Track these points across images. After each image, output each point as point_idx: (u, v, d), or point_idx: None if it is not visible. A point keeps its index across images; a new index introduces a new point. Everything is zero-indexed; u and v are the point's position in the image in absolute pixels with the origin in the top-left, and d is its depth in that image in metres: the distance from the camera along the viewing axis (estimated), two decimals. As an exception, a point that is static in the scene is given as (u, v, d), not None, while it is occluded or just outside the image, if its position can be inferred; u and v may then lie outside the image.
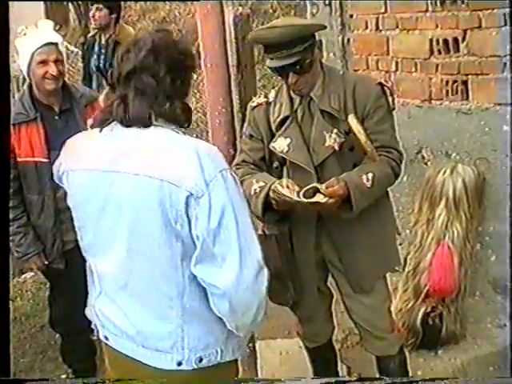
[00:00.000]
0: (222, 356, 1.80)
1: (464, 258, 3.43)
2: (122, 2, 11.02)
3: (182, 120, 1.77)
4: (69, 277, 2.99)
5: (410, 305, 3.41)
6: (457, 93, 3.55)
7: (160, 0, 10.37)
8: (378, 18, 3.80)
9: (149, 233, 1.69)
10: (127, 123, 1.72)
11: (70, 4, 9.80)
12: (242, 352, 1.90)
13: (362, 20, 3.89)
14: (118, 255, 1.75)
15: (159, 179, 1.66)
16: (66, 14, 10.38)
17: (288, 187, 2.38)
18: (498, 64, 3.32)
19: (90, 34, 5.20)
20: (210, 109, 2.85)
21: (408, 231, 3.76)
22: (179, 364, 1.76)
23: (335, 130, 2.45)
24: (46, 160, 2.91)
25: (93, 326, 1.96)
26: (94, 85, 4.96)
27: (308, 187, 2.37)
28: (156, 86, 1.72)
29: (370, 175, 2.42)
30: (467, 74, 3.49)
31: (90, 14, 4.91)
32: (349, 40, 4.04)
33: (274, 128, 2.55)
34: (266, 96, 2.62)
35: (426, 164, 3.76)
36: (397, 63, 3.80)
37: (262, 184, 2.48)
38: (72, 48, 2.85)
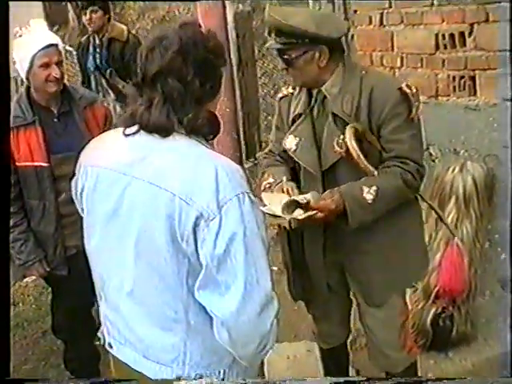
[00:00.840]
0: (224, 377, 1.71)
1: (474, 257, 3.37)
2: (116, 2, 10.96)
3: (205, 131, 1.65)
4: (71, 283, 2.93)
5: (420, 306, 3.34)
6: (464, 88, 3.49)
7: (160, 0, 10.29)
8: (382, 14, 3.73)
9: (156, 245, 1.61)
10: (149, 130, 1.63)
11: (68, 4, 9.73)
12: (248, 377, 1.79)
13: (366, 15, 3.82)
14: (125, 261, 1.67)
15: (171, 192, 1.57)
16: (65, 14, 10.32)
17: (288, 192, 2.31)
18: (505, 59, 3.25)
19: (83, 37, 5.14)
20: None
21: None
22: (178, 379, 1.69)
23: (342, 136, 2.29)
24: (46, 164, 2.84)
25: (99, 334, 1.90)
26: (93, 85, 4.90)
27: (286, 200, 2.25)
28: (183, 90, 1.60)
29: (374, 188, 2.26)
30: (474, 70, 3.43)
31: (87, 17, 4.83)
32: (353, 36, 3.96)
33: (290, 123, 2.47)
34: (293, 87, 2.50)
35: (433, 161, 3.69)
36: (402, 59, 3.73)
37: (271, 180, 2.41)
38: (68, 48, 2.77)
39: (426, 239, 3.48)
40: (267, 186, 2.41)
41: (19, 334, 4.04)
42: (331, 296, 2.62)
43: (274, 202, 2.28)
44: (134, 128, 1.65)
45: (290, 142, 2.43)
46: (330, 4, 3.98)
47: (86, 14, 4.83)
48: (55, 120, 2.92)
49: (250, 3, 9.63)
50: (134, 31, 11.25)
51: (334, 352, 2.84)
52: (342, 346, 2.84)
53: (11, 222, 2.91)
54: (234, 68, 6.66)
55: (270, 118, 6.11)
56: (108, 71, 4.81)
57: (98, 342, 2.23)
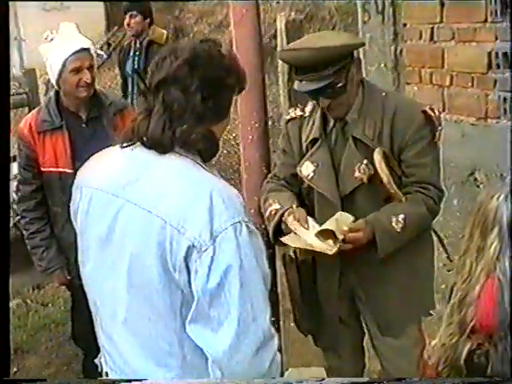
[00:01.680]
0: None
1: (515, 291, 3.15)
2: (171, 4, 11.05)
3: (199, 148, 1.53)
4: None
5: (454, 340, 3.11)
6: (515, 111, 3.29)
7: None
8: (432, 28, 3.56)
9: (148, 274, 1.49)
10: (146, 144, 1.53)
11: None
12: None
13: (416, 30, 3.66)
14: (118, 289, 1.56)
15: (162, 219, 1.45)
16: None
17: (299, 220, 2.18)
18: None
19: (125, 43, 5.15)
20: (241, 123, 2.64)
21: (457, 258, 3.51)
22: None
23: (365, 161, 2.19)
24: (70, 171, 2.77)
25: (97, 361, 1.79)
26: (129, 89, 4.89)
27: (322, 228, 2.14)
28: (184, 101, 1.49)
29: (401, 217, 2.19)
30: (527, 92, 3.23)
31: (125, 22, 4.83)
32: (401, 51, 3.81)
33: (303, 148, 2.34)
34: (302, 109, 2.39)
35: (478, 187, 3.50)
36: (451, 77, 3.56)
37: (277, 206, 2.28)
38: (100, 52, 2.73)
39: (467, 269, 3.32)
40: (273, 212, 2.28)
41: (45, 335, 4.02)
42: (342, 328, 2.48)
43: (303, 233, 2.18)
44: (131, 142, 1.55)
45: (307, 169, 2.30)
46: (380, 15, 3.83)
47: (125, 18, 4.82)
48: (83, 126, 2.85)
49: (306, 11, 9.55)
50: (191, 35, 11.32)
51: None
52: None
53: (34, 228, 2.89)
54: (285, 78, 6.58)
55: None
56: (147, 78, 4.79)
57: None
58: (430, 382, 2.43)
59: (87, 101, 2.83)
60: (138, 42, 4.95)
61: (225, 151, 6.13)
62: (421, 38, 3.65)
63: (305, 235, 2.17)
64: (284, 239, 2.27)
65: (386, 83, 3.90)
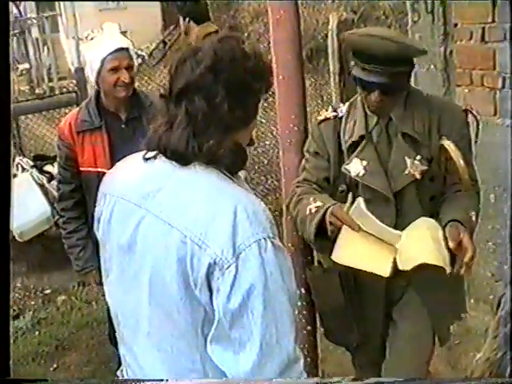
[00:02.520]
0: None
1: None
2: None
3: (226, 163, 1.46)
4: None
5: (499, 355, 3.01)
6: None
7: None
8: (484, 28, 3.40)
9: (168, 290, 1.43)
10: (168, 156, 1.47)
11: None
12: None
13: (467, 30, 3.51)
14: (141, 301, 1.50)
15: (182, 233, 1.39)
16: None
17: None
18: None
19: (169, 42, 5.13)
20: (280, 126, 2.58)
21: (506, 268, 3.36)
22: None
23: (418, 157, 2.20)
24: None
25: (118, 372, 1.74)
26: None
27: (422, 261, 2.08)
28: (209, 112, 1.41)
29: (474, 213, 2.21)
30: None
31: (183, 29, 4.80)
32: (451, 52, 3.67)
33: (345, 148, 2.29)
34: (335, 110, 2.35)
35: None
36: (504, 80, 3.39)
37: (319, 204, 2.21)
38: (141, 52, 2.71)
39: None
40: (313, 210, 2.20)
41: (87, 333, 4.06)
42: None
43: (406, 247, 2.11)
44: (153, 152, 1.50)
45: (356, 166, 2.24)
46: (430, 15, 3.70)
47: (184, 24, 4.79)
48: (123, 126, 2.85)
49: (361, 11, 9.40)
50: (246, 34, 11.31)
51: None
52: None
53: (71, 228, 2.92)
54: (336, 78, 6.47)
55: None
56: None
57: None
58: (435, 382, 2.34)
59: (127, 101, 2.82)
60: None
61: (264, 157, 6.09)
62: (471, 38, 3.49)
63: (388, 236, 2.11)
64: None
65: (435, 85, 3.77)
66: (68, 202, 2.90)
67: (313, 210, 2.20)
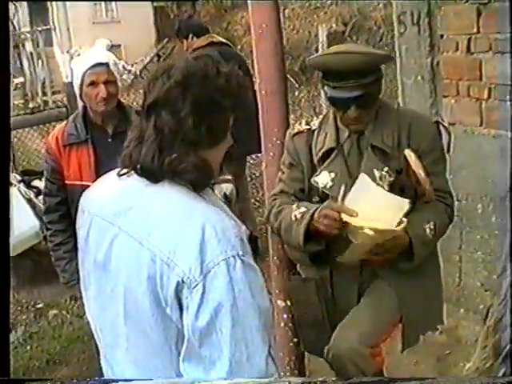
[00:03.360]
0: None
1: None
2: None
3: (188, 178, 1.45)
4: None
5: (488, 364, 3.01)
6: (556, 125, 3.14)
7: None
8: (469, 39, 3.43)
9: (141, 308, 1.42)
10: (139, 173, 1.47)
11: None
12: None
13: (453, 41, 3.53)
14: (117, 318, 1.50)
15: (152, 251, 1.39)
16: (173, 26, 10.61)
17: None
18: None
19: (164, 55, 5.12)
20: (263, 140, 2.61)
21: (495, 277, 3.37)
22: None
23: (386, 168, 2.23)
24: (93, 185, 2.80)
25: None
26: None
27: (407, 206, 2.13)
28: (175, 127, 1.42)
29: (432, 224, 2.24)
30: None
31: (184, 45, 4.76)
32: (438, 63, 3.69)
33: (315, 160, 2.33)
34: (307, 123, 2.40)
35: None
36: (490, 90, 3.41)
37: (303, 210, 2.25)
38: (128, 67, 2.73)
39: (503, 291, 3.18)
40: (300, 215, 2.24)
41: (78, 347, 4.05)
42: None
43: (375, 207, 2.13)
44: (126, 169, 1.50)
45: (324, 178, 2.29)
46: (416, 26, 3.72)
47: (180, 39, 4.75)
48: (109, 140, 2.86)
49: (353, 22, 9.46)
50: (239, 47, 11.36)
51: None
52: None
53: (58, 240, 2.94)
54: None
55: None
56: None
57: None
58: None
59: (114, 115, 2.84)
60: None
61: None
62: (457, 49, 3.52)
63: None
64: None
65: (422, 96, 3.79)
66: (54, 214, 2.92)
67: (298, 216, 2.24)
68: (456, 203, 3.33)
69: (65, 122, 3.01)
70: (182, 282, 1.35)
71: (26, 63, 10.83)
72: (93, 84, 2.74)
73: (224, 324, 1.34)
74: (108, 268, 1.50)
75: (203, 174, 1.47)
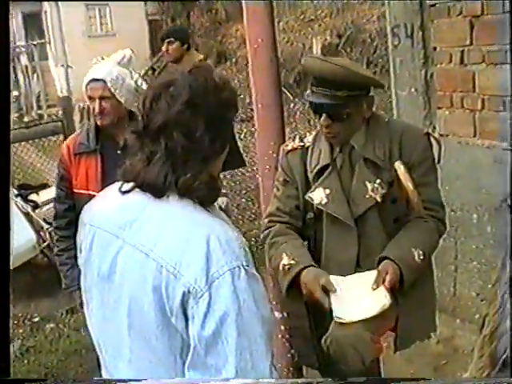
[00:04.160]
0: None
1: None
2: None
3: (200, 195, 1.47)
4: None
5: (484, 373, 3.01)
6: (549, 136, 3.17)
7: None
8: (463, 51, 3.46)
9: (146, 318, 1.45)
10: (143, 189, 1.49)
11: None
12: None
13: (446, 53, 3.57)
14: (121, 330, 1.52)
15: (157, 262, 1.41)
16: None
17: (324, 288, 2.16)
18: None
19: (158, 69, 5.17)
20: (259, 153, 2.64)
21: (490, 287, 3.38)
22: None
23: (378, 180, 2.25)
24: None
25: None
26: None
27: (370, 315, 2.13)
28: (190, 146, 1.43)
29: (421, 252, 2.24)
30: (562, 116, 3.11)
31: (163, 49, 4.86)
32: (432, 75, 3.72)
33: (310, 176, 2.35)
34: (301, 140, 2.41)
35: (512, 214, 3.37)
36: (483, 101, 3.44)
37: (292, 262, 2.26)
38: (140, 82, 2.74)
39: (499, 300, 3.20)
40: (286, 267, 2.26)
41: (76, 361, 4.05)
42: None
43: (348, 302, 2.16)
44: (130, 185, 1.52)
45: (319, 195, 2.30)
46: (409, 39, 3.76)
47: (163, 44, 4.85)
48: (119, 152, 2.88)
49: (348, 34, 9.51)
50: (234, 59, 11.42)
51: None
52: None
53: (63, 246, 2.98)
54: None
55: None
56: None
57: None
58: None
59: (124, 126, 2.85)
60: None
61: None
62: (451, 61, 3.55)
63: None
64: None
65: (416, 108, 3.82)
66: (62, 220, 2.96)
67: (286, 267, 2.26)
68: (451, 213, 3.37)
69: (78, 131, 3.08)
70: (188, 292, 1.37)
71: (21, 77, 10.83)
72: (90, 98, 2.79)
73: (229, 333, 1.37)
74: (112, 280, 1.51)
75: (213, 190, 1.51)
